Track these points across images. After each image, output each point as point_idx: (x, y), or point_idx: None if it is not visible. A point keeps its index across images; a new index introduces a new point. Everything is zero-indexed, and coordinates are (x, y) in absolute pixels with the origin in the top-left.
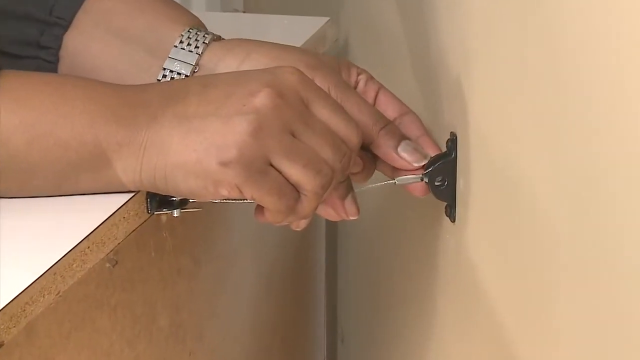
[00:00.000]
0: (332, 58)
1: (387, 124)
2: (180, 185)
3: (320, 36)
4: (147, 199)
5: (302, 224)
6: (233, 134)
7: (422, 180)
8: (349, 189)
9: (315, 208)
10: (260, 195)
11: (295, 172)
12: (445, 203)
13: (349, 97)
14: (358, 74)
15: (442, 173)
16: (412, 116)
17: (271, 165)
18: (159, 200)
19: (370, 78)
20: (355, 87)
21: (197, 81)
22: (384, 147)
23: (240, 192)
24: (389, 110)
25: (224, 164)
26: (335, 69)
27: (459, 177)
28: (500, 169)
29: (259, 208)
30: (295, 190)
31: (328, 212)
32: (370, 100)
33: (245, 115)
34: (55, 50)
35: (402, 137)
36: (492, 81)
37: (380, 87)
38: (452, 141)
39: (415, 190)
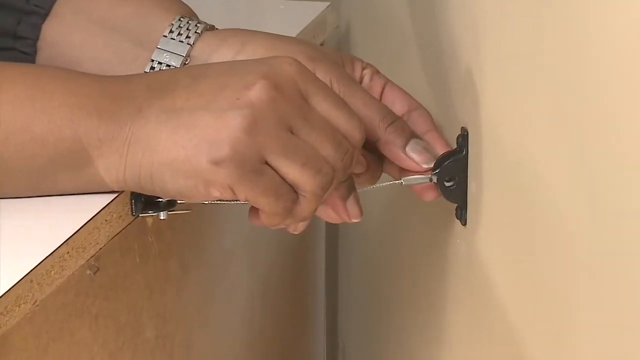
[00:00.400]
0: (335, 50)
1: (395, 120)
2: (167, 185)
3: (320, 22)
4: (131, 200)
5: (300, 227)
6: (226, 130)
7: (430, 180)
8: (351, 189)
9: (315, 210)
10: (254, 196)
11: (292, 171)
12: (456, 204)
13: (353, 91)
14: (363, 68)
15: (452, 172)
16: (422, 111)
17: (267, 163)
18: (144, 202)
19: (376, 72)
20: (360, 83)
21: (187, 72)
22: (391, 145)
23: (233, 192)
24: (397, 105)
25: (216, 163)
26: (337, 62)
27: (471, 177)
28: (515, 167)
29: (254, 210)
30: (293, 190)
31: (328, 214)
32: (376, 96)
33: (239, 110)
34: (32, 40)
35: (412, 135)
36: (506, 73)
37: (387, 81)
38: (463, 137)
39: (424, 193)
